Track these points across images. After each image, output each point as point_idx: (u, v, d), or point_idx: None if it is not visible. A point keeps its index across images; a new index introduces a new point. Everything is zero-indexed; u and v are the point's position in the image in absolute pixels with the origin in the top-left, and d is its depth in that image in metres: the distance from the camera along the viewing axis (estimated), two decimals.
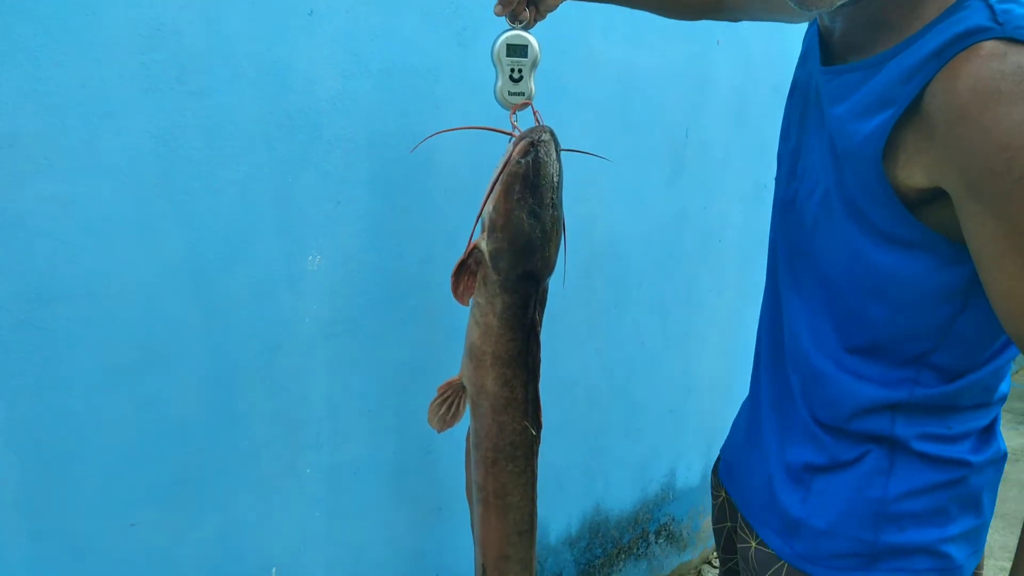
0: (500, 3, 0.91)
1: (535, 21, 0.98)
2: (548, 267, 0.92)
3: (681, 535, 1.95)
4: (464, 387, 0.95)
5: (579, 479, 1.66)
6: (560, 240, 0.92)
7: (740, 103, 1.86)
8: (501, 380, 0.92)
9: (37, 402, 0.91)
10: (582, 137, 1.48)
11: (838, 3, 0.65)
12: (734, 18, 1.12)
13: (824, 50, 0.76)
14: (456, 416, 0.95)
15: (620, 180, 1.59)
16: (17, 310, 0.89)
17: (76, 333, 0.93)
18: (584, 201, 1.52)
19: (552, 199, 0.89)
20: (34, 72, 0.86)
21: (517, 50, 0.95)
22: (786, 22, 1.15)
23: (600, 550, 1.74)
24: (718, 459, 1.01)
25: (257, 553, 1.14)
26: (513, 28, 0.95)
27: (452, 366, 1.02)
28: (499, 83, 0.96)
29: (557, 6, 0.98)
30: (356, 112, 1.13)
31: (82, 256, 0.92)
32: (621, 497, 1.76)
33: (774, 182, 0.88)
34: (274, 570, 1.16)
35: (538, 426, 0.96)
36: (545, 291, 0.94)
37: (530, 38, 0.96)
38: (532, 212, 0.87)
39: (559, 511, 1.61)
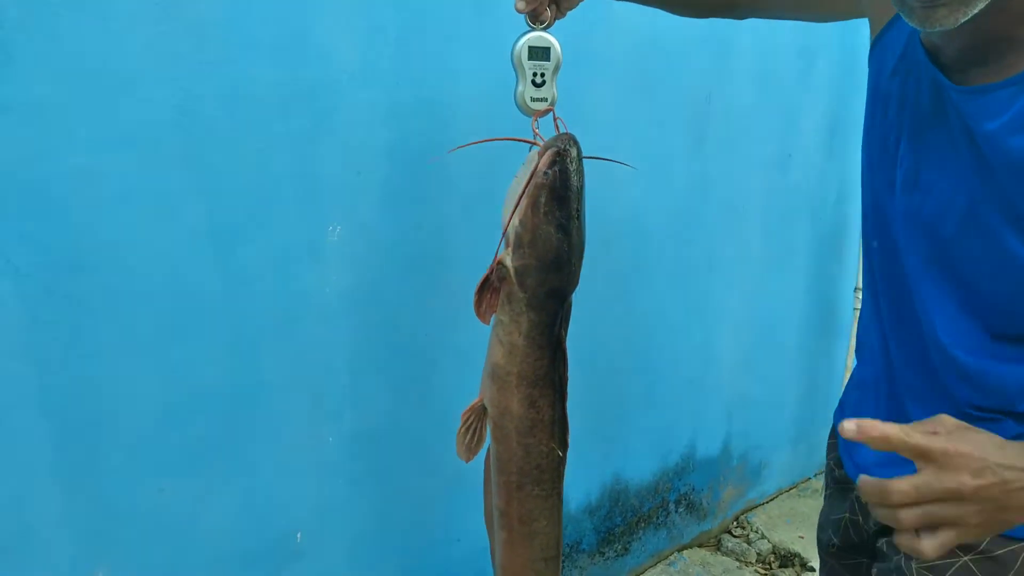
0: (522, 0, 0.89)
1: (554, 21, 0.96)
2: (575, 282, 0.91)
3: (701, 504, 1.96)
4: (485, 409, 0.93)
5: (599, 448, 1.67)
6: (583, 252, 0.91)
7: (765, 68, 1.82)
8: (527, 401, 0.90)
9: (66, 370, 0.93)
10: (601, 103, 1.46)
11: (962, 20, 0.64)
12: (742, 16, 1.10)
13: (935, 65, 0.75)
14: (480, 442, 0.93)
15: (641, 146, 1.57)
16: (44, 280, 0.90)
17: (101, 302, 0.94)
18: (604, 168, 1.50)
19: (578, 211, 0.87)
20: (53, 41, 0.86)
21: (539, 53, 0.93)
22: (810, 21, 1.13)
23: (620, 518, 1.75)
24: (834, 459, 1.00)
25: (282, 518, 1.16)
26: (534, 29, 0.93)
27: (472, 337, 1.02)
28: (520, 88, 0.94)
29: (578, 4, 0.95)
30: (374, 81, 1.12)
31: (105, 226, 0.93)
32: (641, 466, 1.77)
33: (864, 187, 0.88)
34: (299, 535, 1.19)
35: (565, 446, 0.94)
36: (570, 305, 0.92)
37: (552, 40, 0.94)
38: (560, 226, 0.85)
39: (579, 479, 1.62)
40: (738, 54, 1.74)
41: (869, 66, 0.87)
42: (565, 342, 0.91)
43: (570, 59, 1.42)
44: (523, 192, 0.85)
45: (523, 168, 0.87)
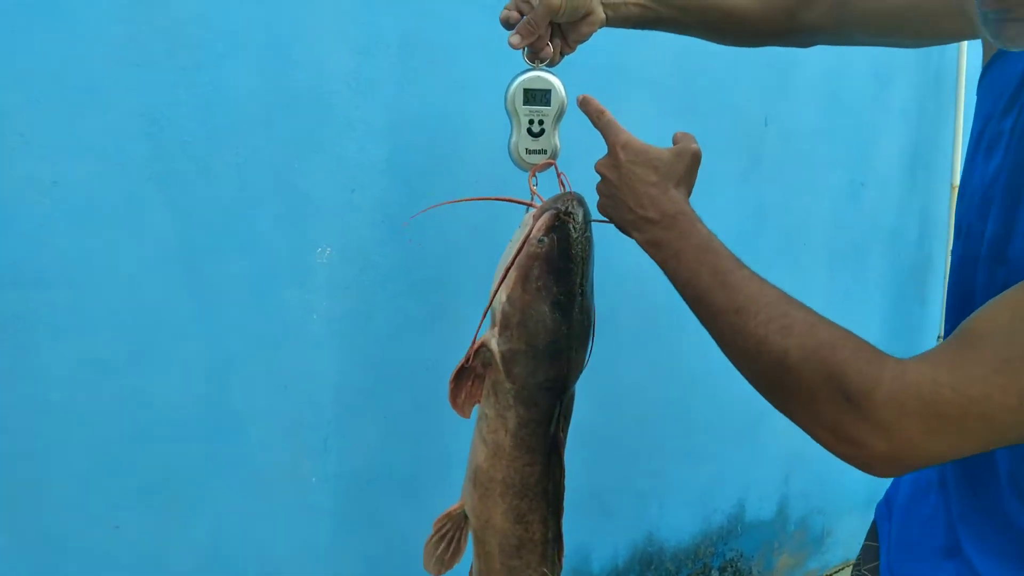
0: (517, 32, 0.78)
1: (561, 57, 0.84)
2: (577, 371, 0.77)
3: (750, 573, 1.75)
4: (465, 517, 0.79)
5: (629, 504, 1.50)
6: (592, 335, 0.78)
7: (832, 89, 1.65)
8: (514, 515, 0.76)
9: (11, 392, 0.86)
10: (639, 125, 1.32)
11: None
12: (807, 42, 0.95)
13: None
14: (456, 555, 0.80)
15: None
16: None
17: (55, 321, 0.88)
18: None
19: (582, 286, 0.74)
20: (8, 42, 0.81)
21: (537, 96, 0.82)
22: (897, 46, 0.97)
23: None
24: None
25: (257, 563, 1.06)
26: (534, 68, 0.81)
27: None
28: (514, 137, 0.82)
29: (590, 36, 0.84)
30: (372, 91, 1.04)
31: (62, 240, 0.87)
32: (679, 527, 1.59)
33: (959, 231, 0.71)
34: None
35: (558, 570, 0.80)
36: (571, 398, 0.79)
37: (554, 80, 0.82)
38: (558, 304, 0.72)
39: (604, 538, 1.46)
40: (801, 73, 1.58)
41: (977, 96, 0.72)
42: (563, 445, 0.77)
43: (602, 74, 1.31)
44: (512, 262, 0.72)
45: (518, 232, 0.75)
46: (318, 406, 1.07)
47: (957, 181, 1.89)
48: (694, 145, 0.73)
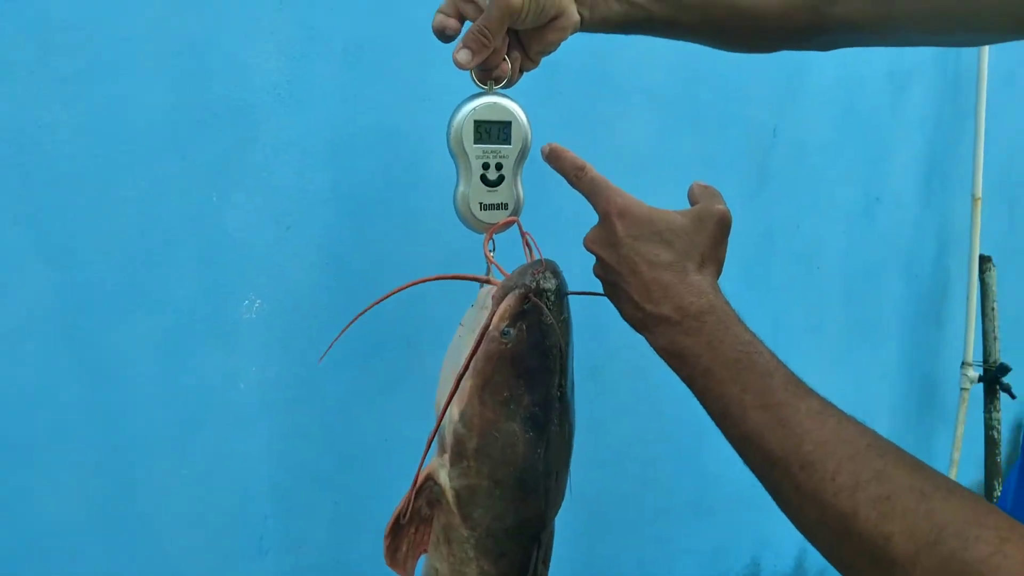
0: (465, 46, 0.59)
1: (521, 74, 0.66)
2: (558, 502, 0.59)
3: None
4: None
5: (631, 570, 1.30)
6: (571, 449, 0.59)
7: (845, 96, 1.47)
8: None
9: None
10: (633, 138, 1.14)
11: None
12: (832, 44, 0.76)
13: None
14: None
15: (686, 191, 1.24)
16: None
17: None
18: None
19: (562, 386, 0.56)
20: None
21: (493, 131, 0.63)
22: (946, 45, 0.79)
23: None
24: None
25: None
26: (486, 92, 0.63)
27: None
28: (461, 187, 0.64)
29: (559, 44, 0.65)
30: (310, 105, 0.84)
31: None
32: None
33: None
34: None
35: None
36: (551, 536, 0.61)
37: (515, 108, 0.63)
38: (531, 420, 0.54)
39: None
40: (812, 79, 1.40)
41: None
42: None
43: (589, 81, 1.12)
44: (465, 365, 0.53)
45: (470, 315, 0.56)
46: (250, 498, 0.86)
47: (980, 192, 1.72)
48: (719, 206, 0.56)
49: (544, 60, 0.67)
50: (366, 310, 0.60)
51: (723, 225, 0.56)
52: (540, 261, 0.56)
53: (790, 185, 1.41)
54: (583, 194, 0.59)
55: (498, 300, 0.53)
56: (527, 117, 0.65)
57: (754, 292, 1.40)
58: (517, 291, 0.53)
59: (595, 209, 0.58)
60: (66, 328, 0.73)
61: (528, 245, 0.60)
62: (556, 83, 1.01)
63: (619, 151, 1.11)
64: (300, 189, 0.84)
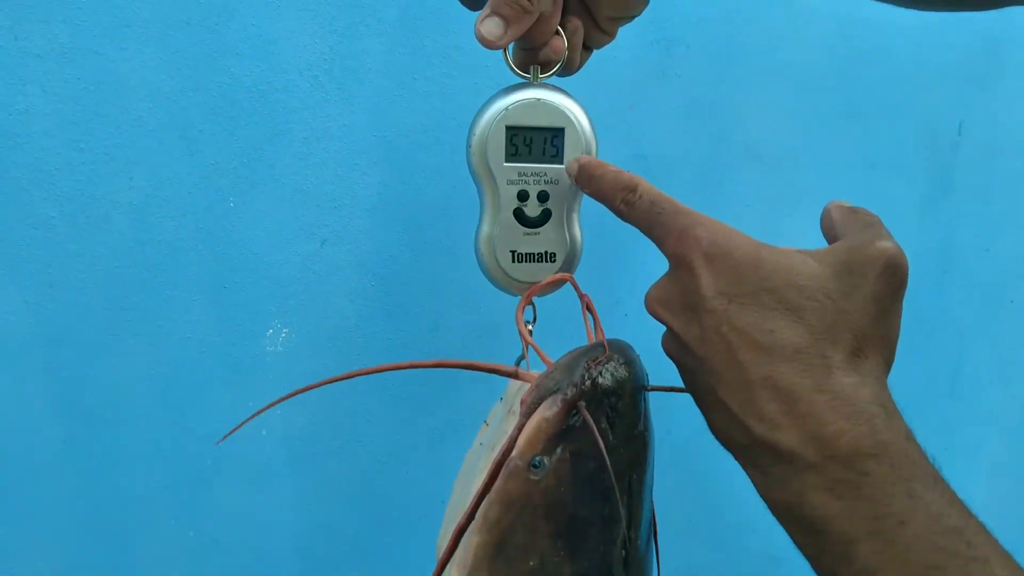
0: (495, 12, 0.40)
1: (583, 56, 0.47)
2: None
3: None
4: None
5: None
6: None
7: None
8: None
9: None
10: (774, 130, 0.90)
11: None
12: None
13: None
14: None
15: (847, 196, 0.98)
16: None
17: None
18: (777, 233, 0.93)
19: (630, 544, 0.37)
20: None
21: (535, 143, 0.44)
22: None
23: None
24: None
25: None
26: (529, 83, 0.45)
27: None
28: (485, 227, 0.46)
29: (636, 14, 0.46)
30: (356, 92, 0.67)
31: None
32: None
33: None
34: None
35: None
36: None
37: (570, 107, 0.45)
38: None
39: None
40: (1011, 58, 1.09)
41: None
42: None
43: (717, 56, 0.89)
44: (472, 510, 0.35)
45: (499, 410, 0.40)
46: (270, 568, 0.71)
47: None
48: (884, 243, 0.35)
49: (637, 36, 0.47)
50: (323, 384, 0.42)
51: (892, 277, 0.34)
52: (601, 344, 0.36)
53: (979, 195, 1.10)
54: (640, 228, 0.40)
55: (529, 409, 0.34)
56: (590, 120, 0.46)
57: (926, 326, 1.10)
58: (558, 397, 0.33)
59: (662, 250, 0.38)
60: (47, 361, 0.61)
61: (589, 317, 0.41)
62: (657, 63, 0.80)
63: (749, 153, 0.88)
64: (339, 195, 0.68)
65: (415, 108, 0.69)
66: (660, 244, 0.38)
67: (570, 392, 0.35)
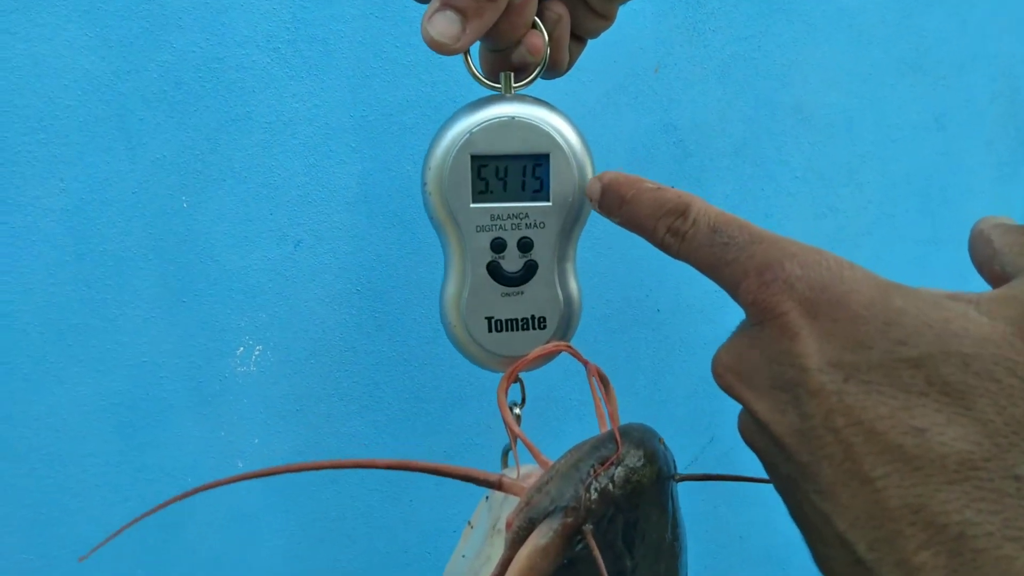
0: (448, 5, 0.30)
1: (567, 59, 0.36)
2: None
3: None
4: None
5: None
6: None
7: None
8: None
9: None
10: (828, 87, 0.77)
11: None
12: None
13: None
14: None
15: (904, 165, 0.85)
16: None
17: None
18: (833, 209, 0.80)
19: None
20: None
21: (511, 176, 0.35)
22: None
23: None
24: None
25: None
26: (497, 98, 0.35)
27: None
28: (450, 286, 0.36)
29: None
30: (328, 69, 0.57)
31: None
32: None
33: None
34: None
35: None
36: None
37: (557, 125, 0.35)
38: None
39: None
40: None
41: None
42: None
43: (759, 10, 0.75)
44: None
45: (482, 512, 0.33)
46: None
47: None
48: None
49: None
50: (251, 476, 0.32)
51: None
52: (611, 437, 0.27)
53: None
54: (698, 267, 0.29)
55: (518, 535, 0.25)
56: (583, 140, 0.35)
57: None
58: (556, 521, 0.24)
59: (735, 297, 0.27)
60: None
61: (598, 392, 0.30)
62: (686, 17, 0.68)
63: (798, 117, 0.75)
64: (312, 188, 0.58)
65: (397, 83, 0.59)
66: (731, 290, 0.27)
67: (570, 515, 0.25)
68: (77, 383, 0.54)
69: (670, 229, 0.29)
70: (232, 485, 0.58)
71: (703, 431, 0.77)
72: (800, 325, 0.24)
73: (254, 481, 0.60)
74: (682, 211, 0.29)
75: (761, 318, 0.25)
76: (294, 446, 0.61)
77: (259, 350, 0.59)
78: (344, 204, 0.59)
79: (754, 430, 0.26)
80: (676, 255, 0.29)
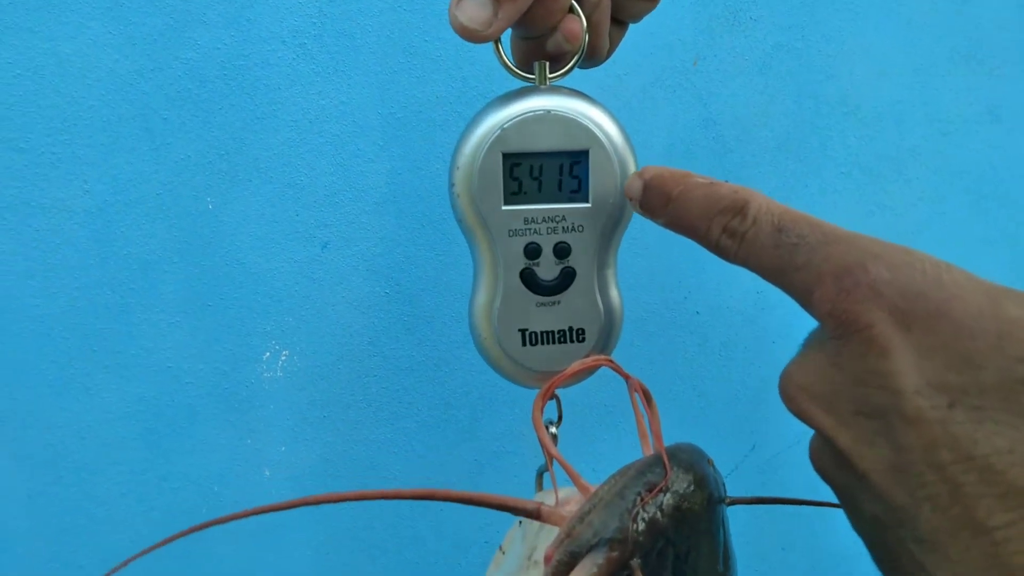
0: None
1: (607, 46, 0.34)
2: None
3: None
4: None
5: None
6: None
7: None
8: None
9: None
10: (877, 78, 0.73)
11: None
12: None
13: None
14: None
15: (961, 160, 0.80)
16: None
17: None
18: (881, 206, 0.77)
19: None
20: None
21: (546, 175, 0.32)
22: None
23: None
24: None
25: None
26: (532, 90, 0.32)
27: None
28: (480, 295, 0.34)
29: None
30: (356, 65, 0.55)
31: None
32: None
33: None
34: None
35: None
36: None
37: (598, 118, 0.32)
38: None
39: None
40: None
41: None
42: None
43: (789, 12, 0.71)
44: None
45: (515, 537, 0.30)
46: None
47: None
48: None
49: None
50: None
51: None
52: (659, 460, 0.24)
53: None
54: (762, 272, 0.26)
55: (559, 570, 0.23)
56: (624, 134, 0.33)
57: None
58: (601, 555, 0.22)
59: (808, 307, 0.24)
60: None
61: (641, 410, 0.28)
62: (727, 5, 0.65)
63: (845, 109, 0.72)
64: (340, 188, 0.56)
65: (426, 78, 0.57)
66: (803, 298, 0.24)
67: (616, 549, 0.22)
68: (102, 389, 0.53)
69: (726, 229, 0.26)
70: (260, 495, 0.56)
71: (745, 439, 0.74)
72: (892, 339, 0.20)
73: (282, 490, 0.59)
74: (740, 208, 0.26)
75: (842, 331, 0.22)
76: (321, 453, 0.60)
77: (285, 355, 0.57)
78: (372, 204, 0.57)
79: (831, 462, 0.23)
80: (734, 259, 0.27)
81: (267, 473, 0.59)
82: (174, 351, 0.54)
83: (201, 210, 0.53)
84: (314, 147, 0.55)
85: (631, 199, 0.31)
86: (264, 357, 0.57)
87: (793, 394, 0.24)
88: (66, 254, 0.51)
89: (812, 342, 0.24)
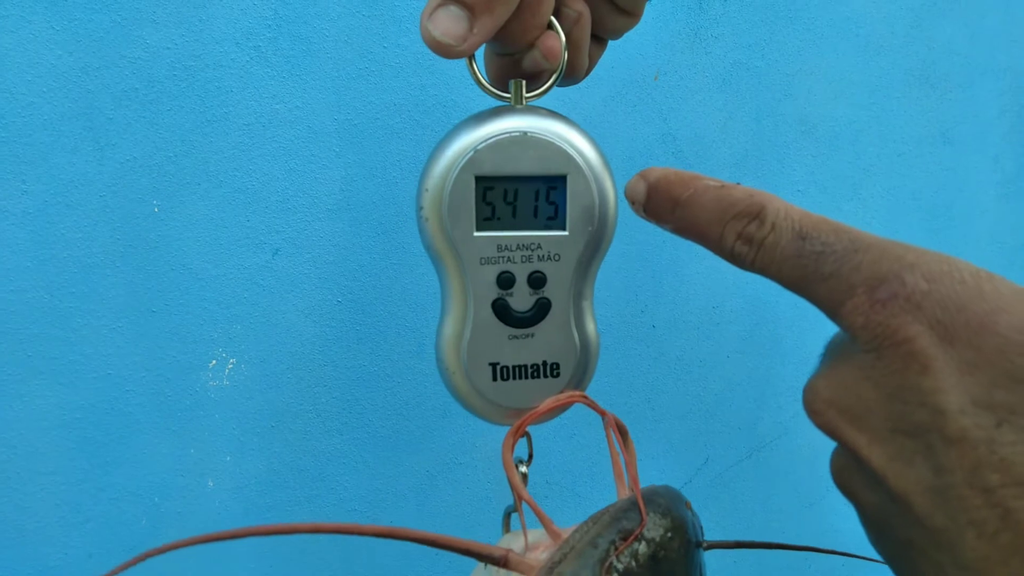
0: (452, 1, 0.26)
1: (586, 63, 0.32)
2: None
3: None
4: None
5: None
6: None
7: None
8: None
9: None
10: (833, 98, 0.74)
11: None
12: None
13: None
14: None
15: (912, 179, 0.82)
16: None
17: None
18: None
19: None
20: None
21: (521, 201, 0.30)
22: None
23: None
24: None
25: None
26: (506, 111, 0.30)
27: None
28: (447, 326, 0.31)
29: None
30: (310, 65, 0.54)
31: None
32: None
33: None
34: None
35: None
36: None
37: (575, 141, 0.30)
38: None
39: None
40: None
41: None
42: None
43: (763, 16, 0.72)
44: None
45: None
46: None
47: None
48: None
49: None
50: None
51: None
52: (633, 505, 0.24)
53: None
54: (783, 282, 0.24)
55: None
56: (603, 158, 0.31)
57: None
58: None
59: (838, 319, 0.23)
60: None
61: (617, 448, 0.27)
62: (688, 23, 0.65)
63: (801, 128, 0.72)
64: (292, 193, 0.55)
65: (384, 85, 0.56)
66: (832, 310, 0.23)
67: None
68: (36, 396, 0.51)
69: (741, 236, 0.24)
70: (203, 506, 0.55)
71: (699, 452, 0.74)
72: (932, 354, 0.19)
73: (226, 502, 0.57)
74: (756, 213, 0.24)
75: (877, 344, 0.21)
76: (268, 464, 0.58)
77: (233, 363, 0.56)
78: (325, 211, 0.56)
79: (860, 481, 0.22)
80: (750, 267, 0.25)
81: (211, 484, 0.57)
82: (116, 358, 0.53)
83: (146, 213, 0.52)
84: (266, 152, 0.54)
85: (633, 203, 0.29)
86: (210, 365, 0.55)
87: (820, 409, 0.22)
88: (1, 256, 0.49)
89: (838, 354, 0.23)
